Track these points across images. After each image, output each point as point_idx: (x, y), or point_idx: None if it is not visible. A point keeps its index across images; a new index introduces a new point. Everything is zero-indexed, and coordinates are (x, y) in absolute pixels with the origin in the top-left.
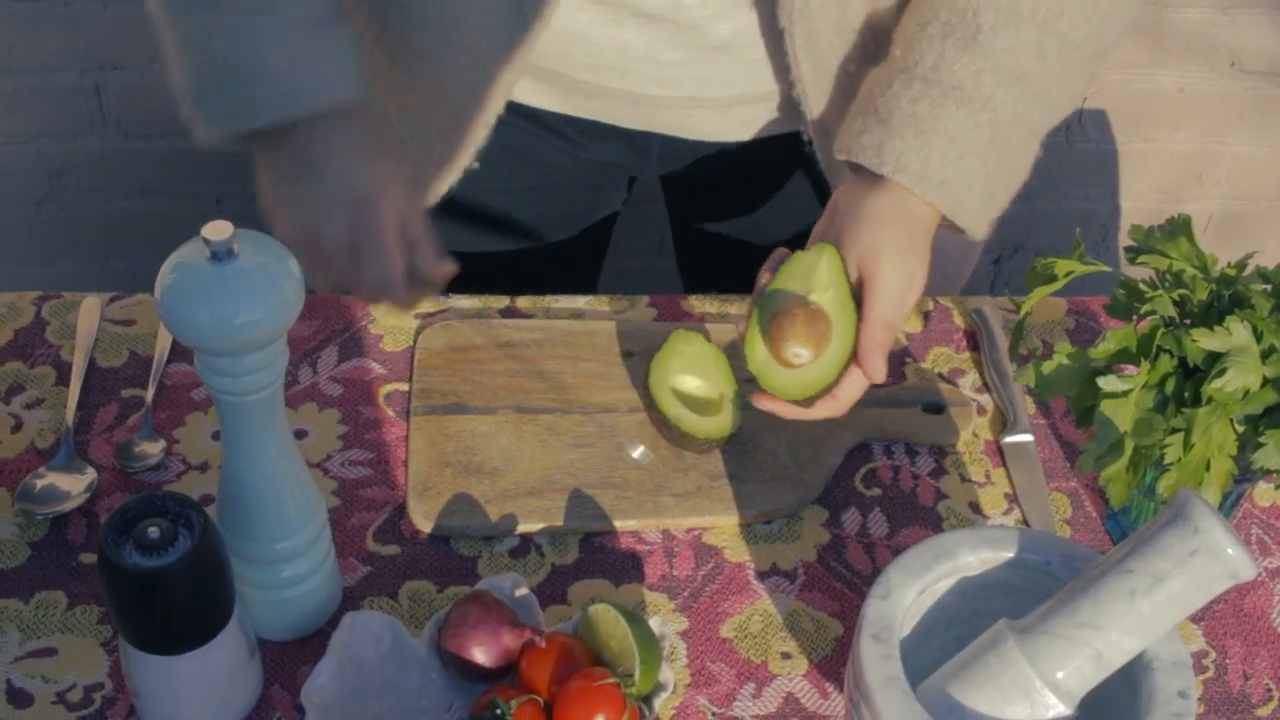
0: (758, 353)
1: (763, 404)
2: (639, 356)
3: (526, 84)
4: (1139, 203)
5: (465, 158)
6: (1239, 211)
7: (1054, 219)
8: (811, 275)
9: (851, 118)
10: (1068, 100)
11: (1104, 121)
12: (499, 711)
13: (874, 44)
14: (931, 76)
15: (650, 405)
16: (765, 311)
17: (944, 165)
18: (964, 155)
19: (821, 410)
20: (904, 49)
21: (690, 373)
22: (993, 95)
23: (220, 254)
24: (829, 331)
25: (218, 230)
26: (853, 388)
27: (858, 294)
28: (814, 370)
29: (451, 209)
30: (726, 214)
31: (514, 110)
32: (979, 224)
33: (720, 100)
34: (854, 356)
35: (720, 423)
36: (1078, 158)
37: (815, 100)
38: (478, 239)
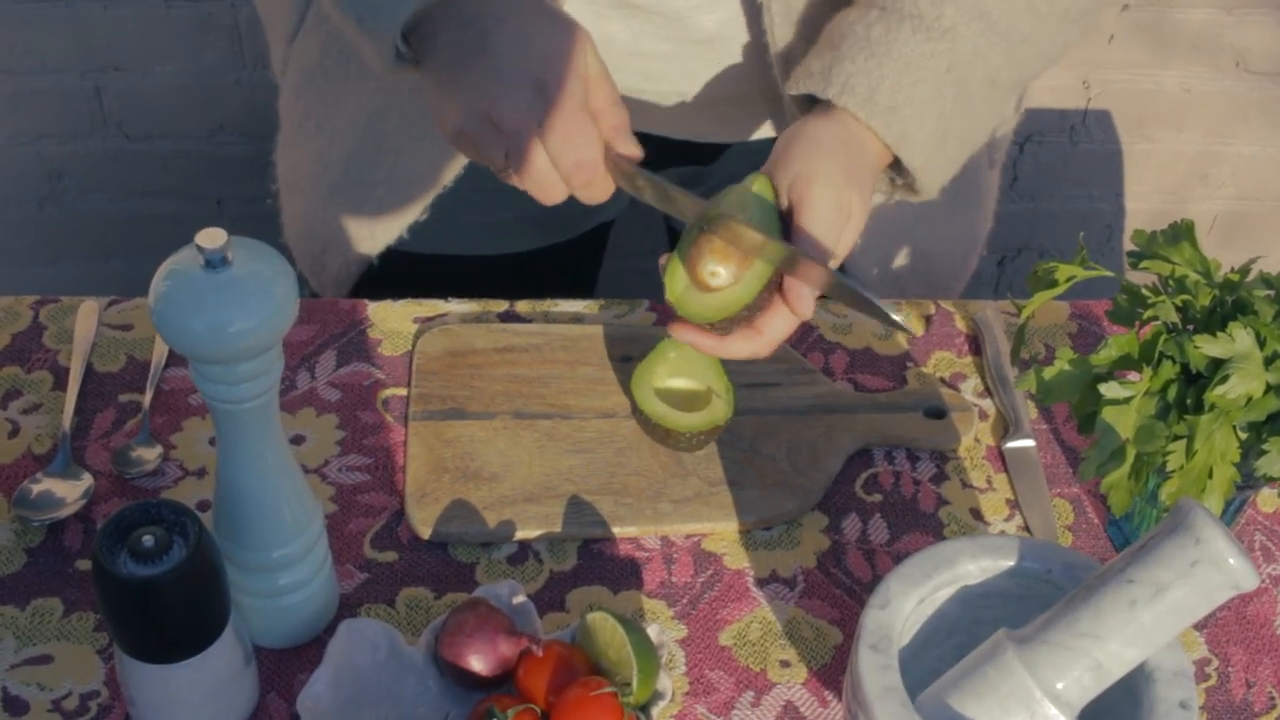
0: (678, 280)
1: (680, 333)
2: (637, 361)
3: None
4: (1143, 203)
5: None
6: (1244, 212)
7: (1058, 219)
8: (742, 206)
9: (805, 61)
10: (1036, 55)
11: (1108, 121)
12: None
13: None
14: (890, 5)
15: (634, 408)
16: (688, 239)
17: (895, 91)
18: (917, 82)
19: (741, 344)
20: None
21: (679, 375)
22: (954, 26)
23: (214, 262)
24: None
25: (211, 238)
26: (777, 322)
27: (787, 222)
28: (732, 292)
29: (446, 211)
30: None
31: None
32: (928, 167)
33: (707, 98)
34: (778, 287)
35: (705, 417)
36: (1082, 158)
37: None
38: (474, 242)
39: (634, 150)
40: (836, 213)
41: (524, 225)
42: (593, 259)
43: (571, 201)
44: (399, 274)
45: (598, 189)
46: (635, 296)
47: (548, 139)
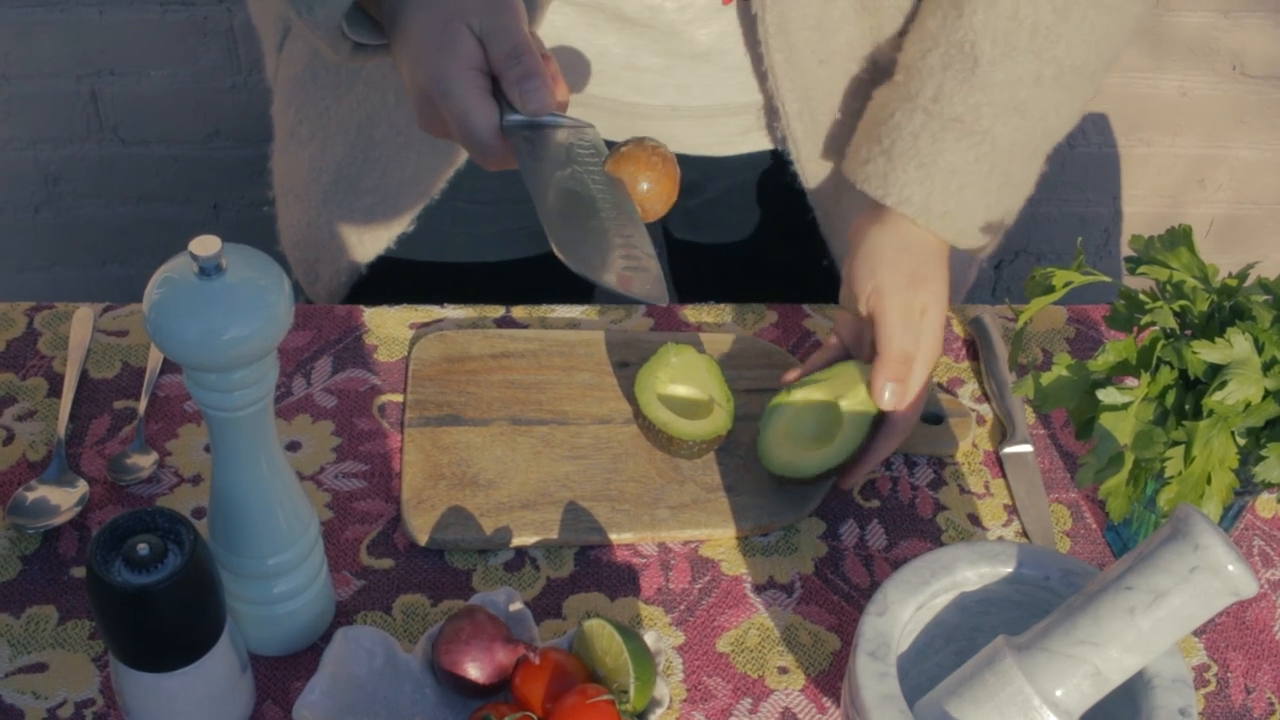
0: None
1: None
2: (634, 367)
3: None
4: (1141, 207)
5: (454, 162)
6: (1241, 216)
7: (1055, 223)
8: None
9: (857, 143)
10: (1066, 120)
11: (1106, 125)
12: None
13: (854, 52)
14: (932, 109)
15: (637, 413)
16: (769, 421)
17: (945, 197)
18: (964, 187)
19: (856, 475)
20: (905, 75)
21: (681, 382)
22: (991, 128)
23: (208, 269)
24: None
25: (205, 245)
26: (881, 441)
27: (872, 337)
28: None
29: (440, 218)
30: (715, 228)
31: None
32: (983, 246)
33: (702, 109)
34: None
35: (708, 426)
36: (1079, 161)
37: (791, 103)
38: (467, 249)
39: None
40: (908, 313)
41: (515, 236)
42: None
43: None
44: (392, 281)
45: (487, 158)
46: (632, 303)
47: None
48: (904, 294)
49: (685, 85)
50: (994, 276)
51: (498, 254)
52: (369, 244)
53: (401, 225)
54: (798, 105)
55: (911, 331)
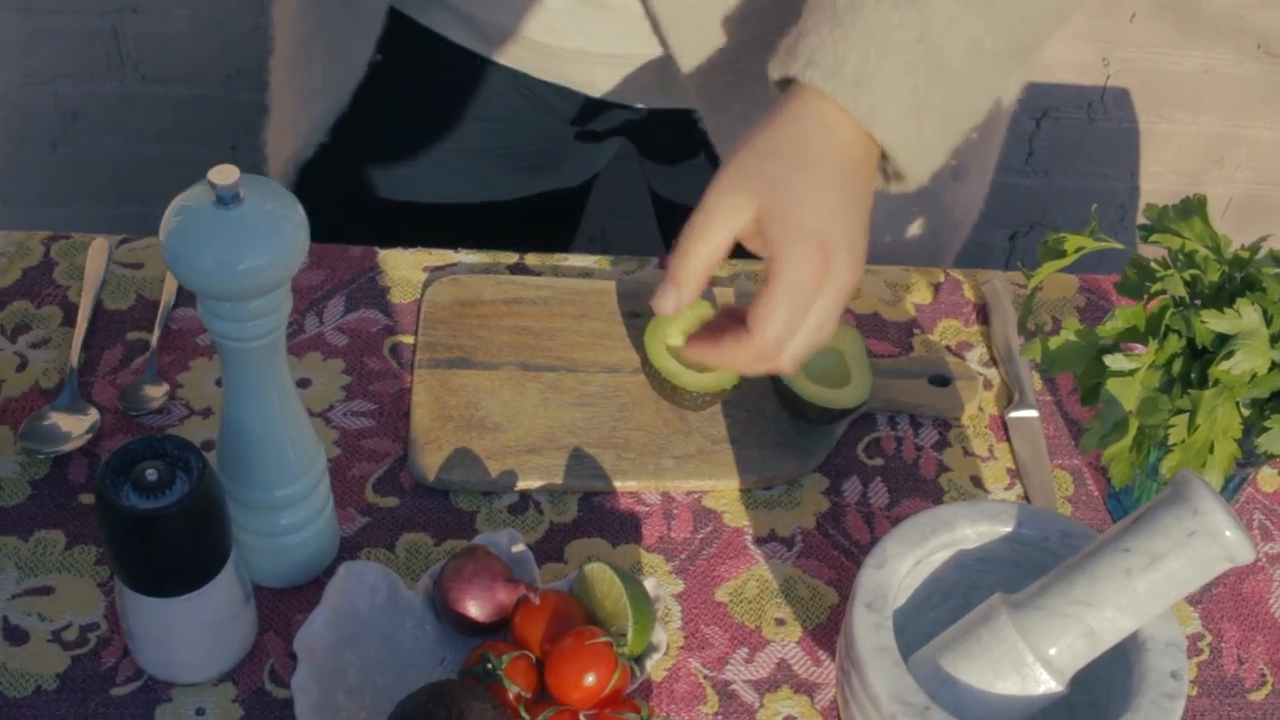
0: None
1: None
2: (645, 317)
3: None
4: (1158, 184)
5: (365, 48)
6: (1259, 196)
7: (1071, 196)
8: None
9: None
10: (1025, 19)
11: (1126, 100)
12: (490, 666)
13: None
14: None
15: (644, 360)
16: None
17: (861, 63)
18: (885, 53)
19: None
20: None
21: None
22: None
23: (226, 198)
24: None
25: (223, 174)
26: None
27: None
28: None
29: (393, 145)
30: (699, 186)
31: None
32: (907, 146)
33: (613, 57)
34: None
35: (714, 378)
36: (1098, 136)
37: (684, 60)
38: (428, 183)
39: None
40: (801, 275)
41: (476, 170)
42: (567, 215)
43: (525, 147)
44: (392, 221)
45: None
46: (621, 252)
47: None
48: (803, 237)
49: (591, 31)
50: (1008, 248)
51: (462, 194)
52: (301, 138)
53: (319, 134)
54: (691, 61)
55: (800, 301)
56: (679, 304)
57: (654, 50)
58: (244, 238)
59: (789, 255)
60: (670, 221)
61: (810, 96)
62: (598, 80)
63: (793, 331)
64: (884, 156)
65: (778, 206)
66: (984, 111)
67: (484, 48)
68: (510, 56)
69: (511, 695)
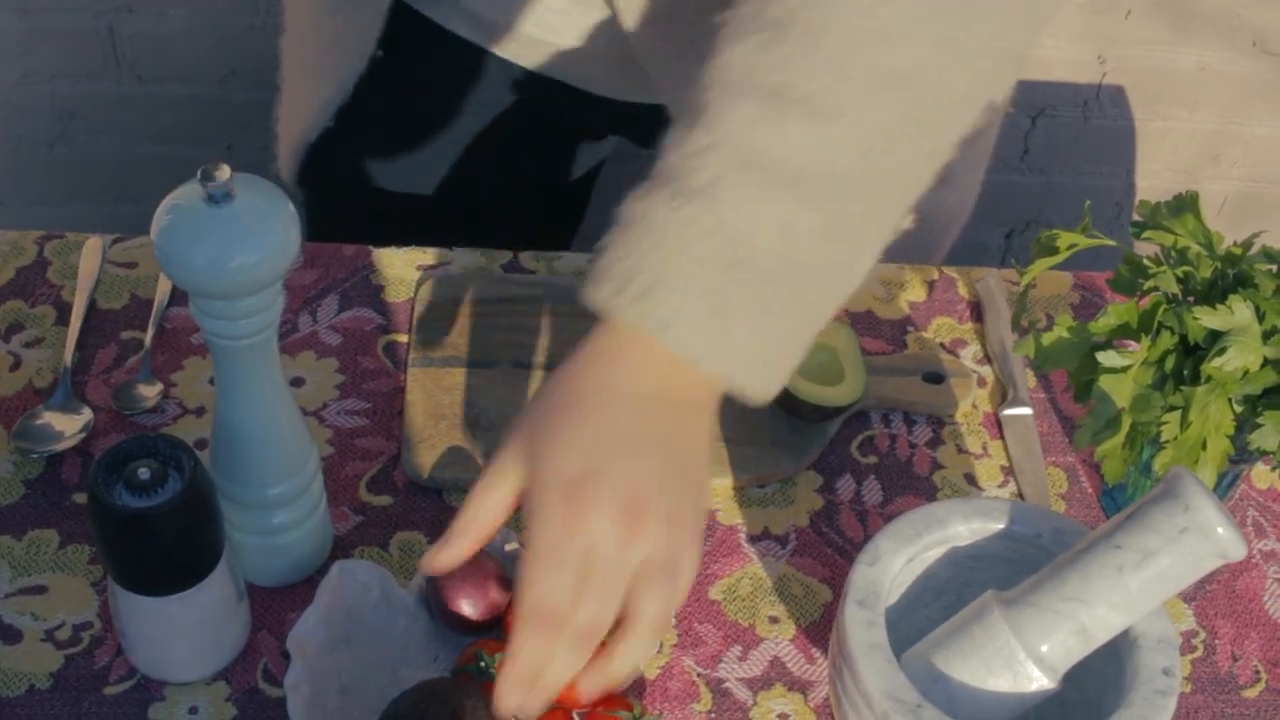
0: None
1: None
2: None
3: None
4: (1154, 181)
5: (368, 40)
6: (1255, 194)
7: (1067, 194)
8: None
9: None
10: (840, 196)
11: (1122, 98)
12: (483, 664)
13: None
14: (657, 170)
15: None
16: None
17: (648, 268)
18: (673, 254)
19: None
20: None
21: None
22: (715, 180)
23: (217, 196)
24: None
25: (215, 172)
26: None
27: None
28: None
29: (395, 135)
30: None
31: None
32: (712, 355)
33: (608, 55)
34: None
35: None
36: (1094, 133)
37: (639, 42)
38: (428, 176)
39: None
40: (567, 531)
41: (473, 164)
42: (568, 214)
43: (516, 139)
44: (391, 215)
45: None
46: None
47: None
48: (547, 483)
49: (584, 28)
50: (1004, 246)
51: (458, 187)
52: (309, 118)
53: (325, 116)
54: (648, 46)
55: (558, 559)
56: (451, 560)
57: (611, 45)
58: (235, 236)
59: (534, 508)
60: None
61: (613, 320)
62: (595, 77)
63: (570, 601)
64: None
65: (530, 453)
66: (840, 291)
67: (484, 41)
68: (509, 51)
69: None
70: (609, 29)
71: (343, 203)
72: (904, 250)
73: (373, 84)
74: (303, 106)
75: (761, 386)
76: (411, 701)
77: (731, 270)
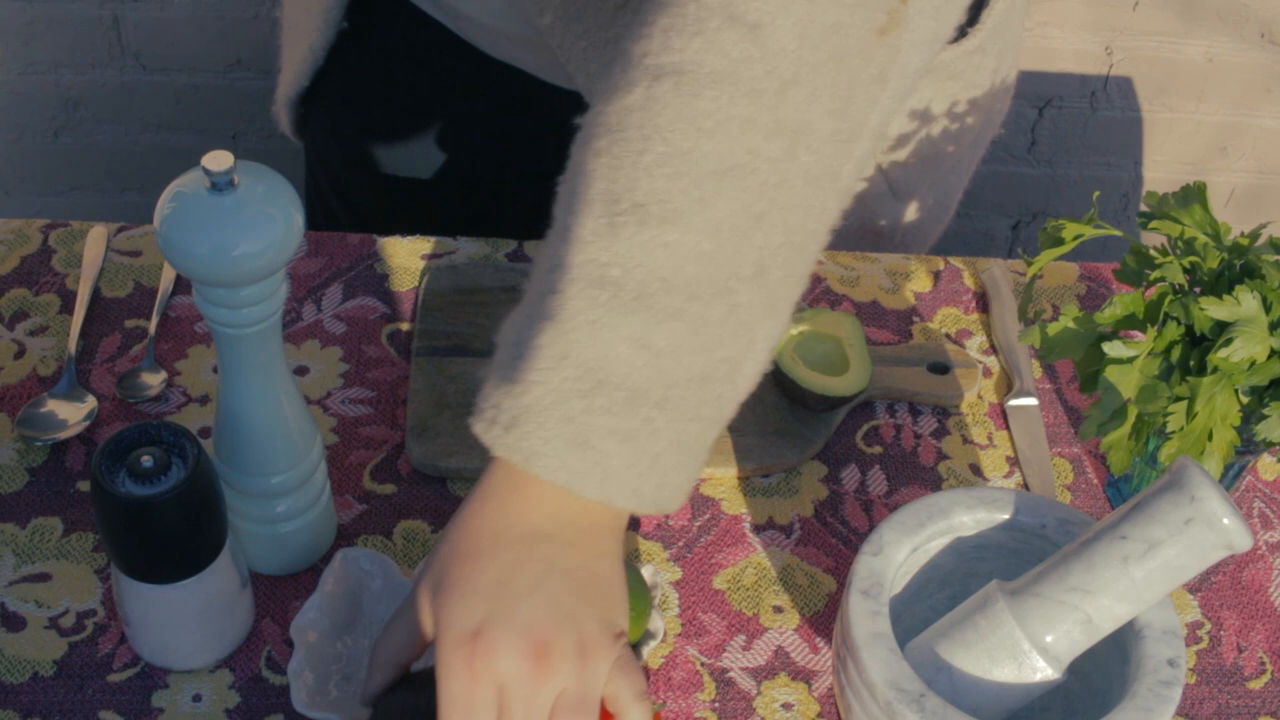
0: None
1: None
2: None
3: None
4: (1162, 173)
5: (334, 11)
6: (1263, 186)
7: (1074, 185)
8: None
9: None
10: (694, 299)
11: (1129, 89)
12: None
13: None
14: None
15: None
16: None
17: (511, 401)
18: (531, 386)
19: None
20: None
21: None
22: (564, 289)
23: (220, 184)
24: None
25: (218, 160)
26: None
27: None
28: None
29: (373, 108)
30: None
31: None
32: (586, 483)
33: (504, 32)
34: None
35: None
36: (1101, 124)
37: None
38: (425, 160)
39: None
40: (475, 686)
41: (462, 150)
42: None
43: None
44: (395, 205)
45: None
46: None
47: None
48: (446, 635)
49: (529, 18)
50: (1011, 236)
51: (450, 177)
52: (296, 67)
53: (303, 78)
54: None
55: (467, 714)
56: (377, 690)
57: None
58: (238, 224)
59: (440, 661)
60: None
61: (493, 453)
62: (542, 68)
63: None
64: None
65: (434, 602)
66: (732, 391)
67: (448, 22)
68: (469, 36)
69: None
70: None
71: (339, 160)
72: (913, 235)
73: (346, 52)
74: (289, 64)
75: (653, 506)
76: (406, 692)
77: (590, 397)
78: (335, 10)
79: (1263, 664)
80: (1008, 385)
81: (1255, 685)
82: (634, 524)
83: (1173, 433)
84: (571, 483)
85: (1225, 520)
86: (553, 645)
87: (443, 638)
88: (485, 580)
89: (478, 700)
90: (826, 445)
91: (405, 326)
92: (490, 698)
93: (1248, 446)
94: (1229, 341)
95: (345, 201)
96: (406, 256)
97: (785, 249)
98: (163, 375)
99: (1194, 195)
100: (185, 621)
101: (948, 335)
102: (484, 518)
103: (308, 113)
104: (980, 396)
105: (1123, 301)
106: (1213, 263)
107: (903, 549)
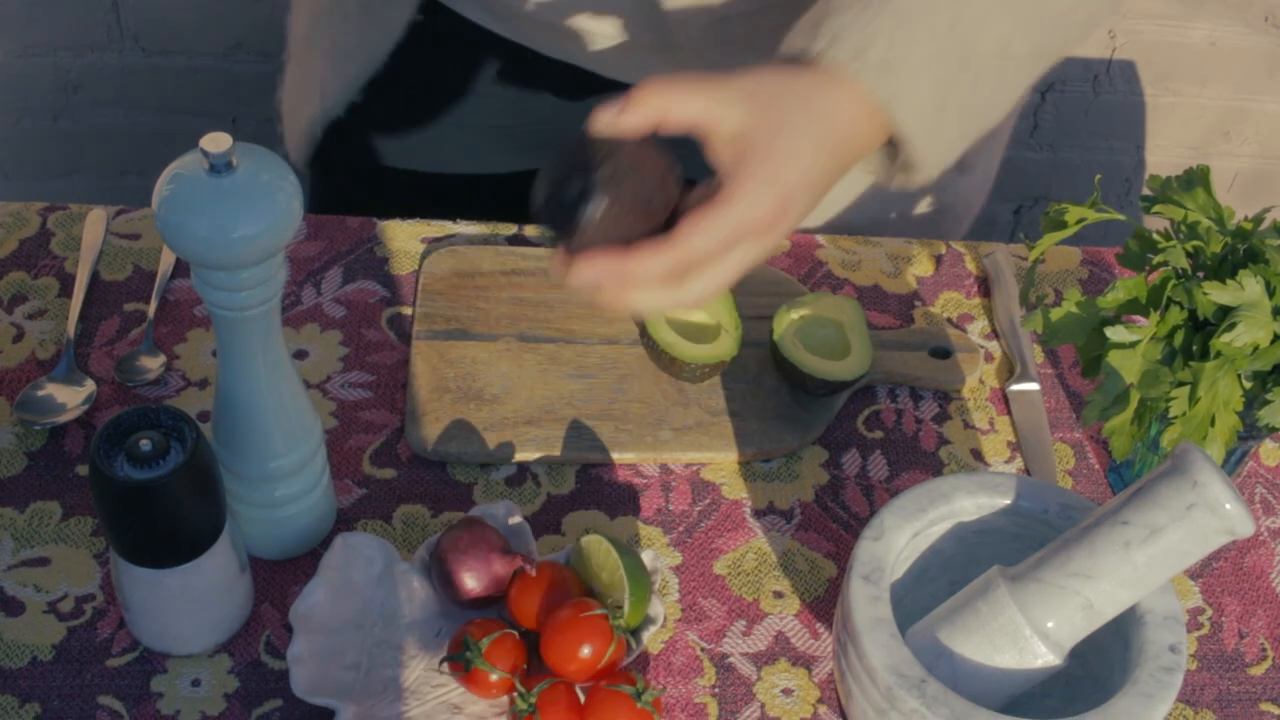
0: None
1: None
2: None
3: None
4: (1164, 157)
5: (403, 7)
6: (1266, 171)
7: (1077, 169)
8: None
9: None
10: (1052, 27)
11: (1132, 73)
12: (469, 652)
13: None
14: None
15: (643, 332)
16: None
17: (889, 46)
18: (914, 40)
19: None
20: None
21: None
22: None
23: (219, 166)
24: None
25: (216, 142)
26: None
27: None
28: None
29: (413, 110)
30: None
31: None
32: (923, 138)
33: (613, 35)
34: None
35: (713, 350)
36: (1104, 108)
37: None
38: (438, 153)
39: None
40: (758, 204)
41: (502, 142)
42: None
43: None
44: (398, 189)
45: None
46: None
47: None
48: (773, 186)
49: (589, 6)
50: (1013, 221)
51: (490, 164)
52: (330, 96)
53: (351, 93)
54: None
55: (736, 235)
56: (613, 123)
57: (652, 29)
58: (237, 206)
59: (752, 192)
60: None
61: (825, 73)
62: (608, 58)
63: (714, 258)
64: (892, 146)
65: (766, 145)
66: (1002, 114)
67: (491, 22)
68: (516, 31)
69: (494, 678)
70: (615, 5)
71: (350, 184)
72: (924, 234)
73: (403, 56)
74: (325, 83)
75: (934, 173)
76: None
77: (957, 71)
78: (397, 33)
79: (1264, 650)
80: (1009, 370)
81: (1256, 671)
82: (634, 509)
83: (1175, 418)
84: (916, 134)
85: (1227, 505)
86: (787, 222)
87: (767, 183)
88: (811, 166)
89: (747, 239)
90: (828, 430)
91: (405, 310)
92: (750, 241)
93: (1250, 432)
94: (1232, 326)
95: (347, 193)
96: (406, 240)
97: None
98: (162, 359)
99: (1197, 179)
100: (184, 606)
101: (949, 320)
102: (807, 99)
103: (327, 144)
104: (982, 381)
105: (1125, 286)
106: (1216, 247)
107: (904, 534)
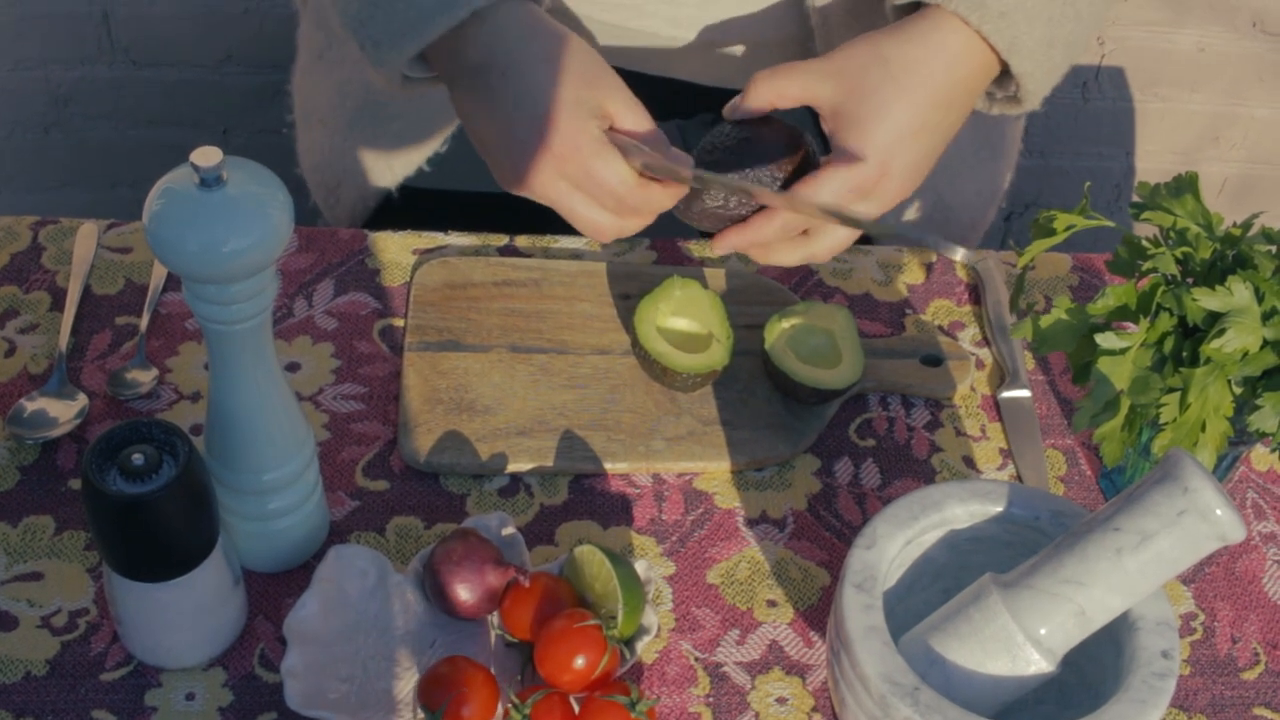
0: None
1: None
2: (636, 299)
3: None
4: (1154, 163)
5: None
6: (1255, 176)
7: (1067, 176)
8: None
9: None
10: None
11: (1121, 79)
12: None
13: None
14: None
15: (635, 342)
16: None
17: None
18: None
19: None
20: None
21: (682, 315)
22: None
23: (209, 180)
24: None
25: (206, 156)
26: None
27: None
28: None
29: (464, 145)
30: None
31: None
32: (1035, 74)
33: (738, 44)
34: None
35: (704, 359)
36: (1093, 115)
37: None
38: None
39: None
40: (894, 151)
41: None
42: None
43: None
44: (414, 208)
45: (650, 204)
46: (638, 235)
47: (581, 190)
48: (868, 152)
49: (723, 16)
50: (1004, 229)
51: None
52: (398, 168)
53: (431, 148)
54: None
55: (845, 197)
56: (737, 107)
57: (784, 31)
58: (227, 220)
59: (847, 158)
60: None
61: (944, 23)
62: (712, 69)
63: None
64: (998, 82)
65: (855, 113)
66: (1090, 42)
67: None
68: (614, 56)
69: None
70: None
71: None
72: (955, 229)
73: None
74: (378, 175)
75: (1037, 103)
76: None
77: (1063, 7)
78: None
79: (1256, 655)
80: (1000, 377)
81: (1249, 676)
82: (627, 519)
83: (1166, 424)
84: (1030, 73)
85: (1218, 511)
86: (909, 190)
87: (863, 150)
88: (912, 125)
89: (855, 201)
90: (819, 438)
91: (397, 322)
92: (857, 202)
93: (1241, 437)
94: (1222, 332)
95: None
96: (398, 251)
97: None
98: (154, 372)
99: (1186, 185)
100: (178, 620)
101: (940, 327)
102: (919, 60)
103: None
104: (973, 389)
105: (1115, 293)
106: (1205, 253)
107: (896, 542)
